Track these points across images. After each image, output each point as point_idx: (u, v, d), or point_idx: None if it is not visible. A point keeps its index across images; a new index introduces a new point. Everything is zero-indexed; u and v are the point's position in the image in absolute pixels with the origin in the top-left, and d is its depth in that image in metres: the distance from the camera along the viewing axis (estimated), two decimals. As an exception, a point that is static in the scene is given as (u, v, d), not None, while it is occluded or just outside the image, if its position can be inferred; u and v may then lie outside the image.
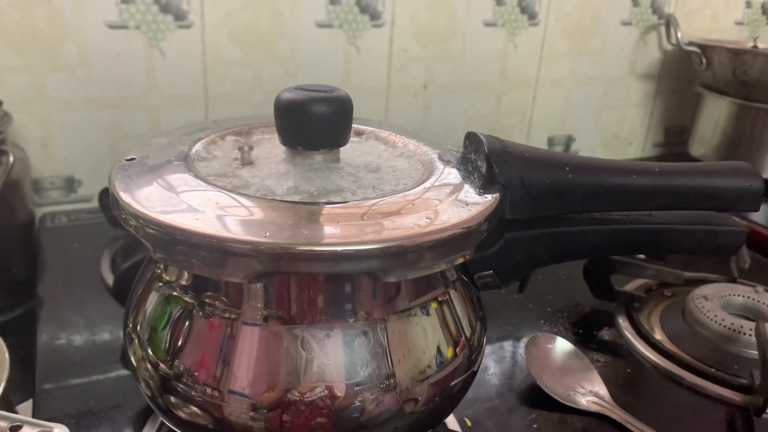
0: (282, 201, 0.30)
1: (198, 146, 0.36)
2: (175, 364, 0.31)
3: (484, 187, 0.34)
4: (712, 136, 0.99)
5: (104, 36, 0.71)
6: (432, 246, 0.28)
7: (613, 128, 1.07)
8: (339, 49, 0.83)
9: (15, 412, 0.52)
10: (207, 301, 0.30)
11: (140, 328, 0.34)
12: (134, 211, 0.29)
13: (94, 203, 0.75)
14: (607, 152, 1.08)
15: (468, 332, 0.36)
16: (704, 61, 0.96)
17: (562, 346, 0.52)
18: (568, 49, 0.97)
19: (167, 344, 0.32)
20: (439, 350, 0.33)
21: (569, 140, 1.04)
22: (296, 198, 0.31)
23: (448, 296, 0.33)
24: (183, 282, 0.31)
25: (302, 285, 0.29)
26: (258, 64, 0.79)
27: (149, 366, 0.33)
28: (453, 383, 0.35)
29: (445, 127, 0.94)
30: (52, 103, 0.71)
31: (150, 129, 0.76)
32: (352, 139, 0.38)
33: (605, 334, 0.57)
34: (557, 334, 0.55)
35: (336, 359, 0.29)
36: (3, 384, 0.47)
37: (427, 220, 0.29)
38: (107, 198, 0.65)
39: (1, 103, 0.64)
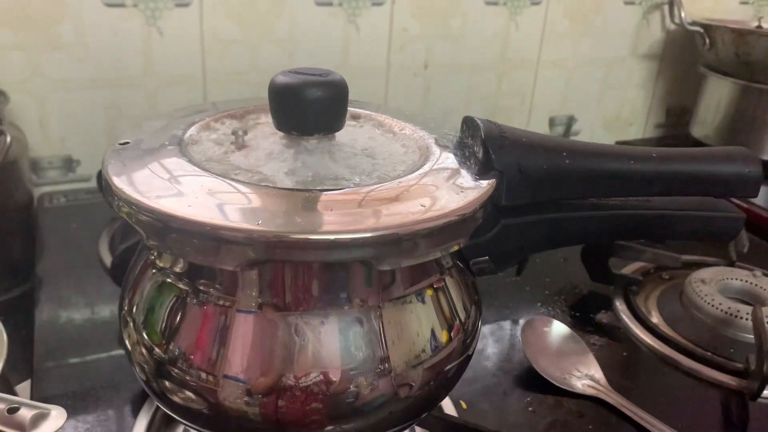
0: (275, 188, 0.29)
1: (192, 130, 0.35)
2: (170, 348, 0.31)
3: (481, 173, 0.34)
4: (714, 118, 0.99)
5: (101, 15, 0.70)
6: (427, 234, 0.28)
7: (615, 109, 1.06)
8: (338, 28, 0.82)
9: (14, 392, 0.53)
10: (201, 288, 0.30)
11: (135, 311, 0.34)
12: (127, 197, 0.29)
13: (93, 183, 0.75)
14: (609, 133, 1.07)
15: (463, 317, 0.36)
16: (707, 41, 0.95)
17: (558, 329, 0.52)
18: (570, 30, 0.96)
19: (162, 330, 0.32)
20: (433, 335, 0.33)
21: (570, 121, 1.04)
22: (290, 184, 0.31)
23: (443, 283, 0.33)
24: (177, 269, 0.31)
25: (296, 272, 0.29)
26: (256, 44, 0.78)
27: (144, 350, 0.33)
28: (448, 368, 0.35)
29: (445, 107, 0.93)
30: (49, 82, 0.71)
31: (147, 109, 0.76)
32: (349, 123, 0.38)
33: (602, 317, 0.57)
34: (554, 317, 0.55)
35: (331, 346, 0.29)
36: (1, 365, 0.48)
37: (422, 207, 0.29)
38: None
39: (-3, 83, 0.63)
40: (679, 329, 0.56)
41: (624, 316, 0.57)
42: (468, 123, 0.37)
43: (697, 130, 1.02)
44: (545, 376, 0.48)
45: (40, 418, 0.38)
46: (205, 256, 0.28)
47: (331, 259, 0.28)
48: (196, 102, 0.77)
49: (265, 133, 0.35)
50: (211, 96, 0.78)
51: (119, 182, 0.30)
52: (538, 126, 1.01)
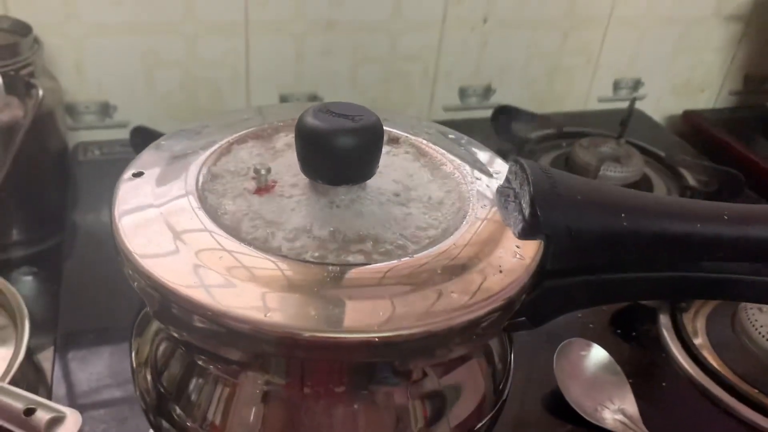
0: (291, 260, 0.26)
1: (211, 159, 0.32)
2: (171, 397, 0.30)
3: (525, 233, 0.30)
4: (798, 93, 0.90)
5: (140, -44, 0.66)
6: (460, 329, 0.25)
7: (687, 73, 0.98)
8: (392, -24, 0.76)
9: (38, 365, 0.53)
10: (201, 363, 0.28)
11: (144, 342, 0.33)
12: (126, 254, 0.26)
13: (130, 129, 0.73)
14: (677, 99, 0.99)
15: (497, 377, 0.33)
16: (803, 9, 0.85)
17: (596, 354, 0.49)
18: (649, -15, 0.87)
19: (165, 377, 0.30)
20: (465, 403, 0.31)
21: (637, 84, 0.96)
22: (310, 247, 0.28)
23: (479, 360, 0.31)
24: (177, 336, 0.29)
25: (309, 365, 0.26)
26: (303, -8, 0.73)
27: (149, 378, 0.32)
28: (480, 425, 0.33)
29: (502, 64, 0.87)
30: (86, 26, 0.68)
31: (186, 56, 0.72)
32: (385, 148, 0.34)
33: (644, 335, 0.54)
34: (594, 330, 0.52)
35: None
36: (25, 342, 0.48)
37: (455, 296, 0.26)
38: (138, 137, 0.63)
39: (30, 30, 0.60)
40: (726, 358, 0.52)
41: (667, 336, 0.54)
42: (518, 166, 0.33)
43: (776, 105, 0.94)
44: (574, 407, 0.46)
45: (55, 423, 0.38)
46: (206, 341, 0.25)
47: (346, 359, 0.25)
48: (236, 51, 0.74)
49: (291, 168, 0.32)
50: (252, 45, 0.74)
51: (123, 234, 0.27)
52: (602, 89, 0.94)
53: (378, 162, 0.30)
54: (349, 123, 0.29)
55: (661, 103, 0.99)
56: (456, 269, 0.27)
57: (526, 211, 0.31)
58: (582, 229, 0.31)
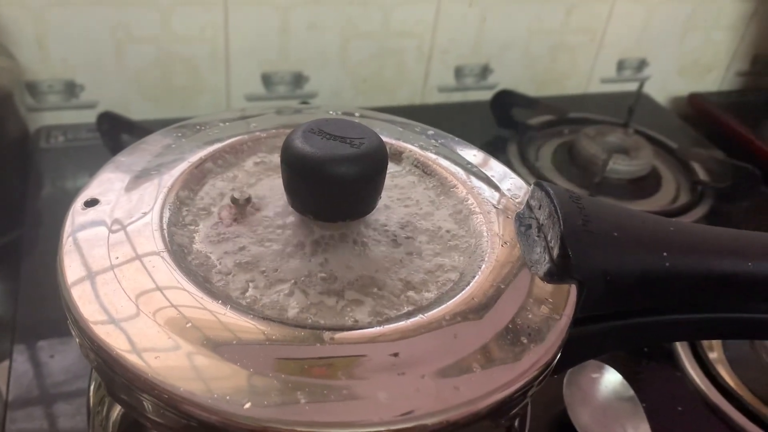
0: (273, 322, 0.22)
1: (179, 182, 0.27)
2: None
3: (552, 277, 0.26)
4: (809, 77, 0.85)
5: None
6: (481, 416, 0.21)
7: (695, 53, 0.93)
8: (386, -55, 0.70)
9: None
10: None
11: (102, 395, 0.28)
12: (77, 318, 0.21)
13: (98, 111, 0.67)
14: (683, 79, 0.95)
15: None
16: (823, -12, 0.80)
17: (609, 377, 0.45)
18: (660, -41, 0.82)
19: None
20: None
21: (642, 65, 0.91)
22: (297, 298, 0.23)
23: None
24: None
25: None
26: (289, -39, 0.67)
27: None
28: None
29: (502, 43, 0.81)
30: (46, -4, 0.61)
31: (160, 30, 0.66)
32: (389, 166, 0.29)
33: (658, 353, 0.50)
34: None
35: None
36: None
37: (475, 372, 0.21)
38: (105, 123, 0.57)
39: (-19, 2, 0.54)
40: (744, 377, 0.48)
41: (681, 350, 0.50)
42: (542, 192, 0.28)
43: (786, 88, 0.89)
44: (584, 436, 0.42)
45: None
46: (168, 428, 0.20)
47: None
48: (215, 25, 0.67)
49: (275, 195, 0.27)
50: (232, 19, 0.68)
51: (68, 284, 0.22)
52: (605, 69, 0.89)
53: (381, 193, 0.25)
54: (347, 148, 0.23)
55: (666, 85, 0.94)
56: (476, 335, 0.22)
57: (555, 252, 0.26)
58: (619, 274, 0.26)
